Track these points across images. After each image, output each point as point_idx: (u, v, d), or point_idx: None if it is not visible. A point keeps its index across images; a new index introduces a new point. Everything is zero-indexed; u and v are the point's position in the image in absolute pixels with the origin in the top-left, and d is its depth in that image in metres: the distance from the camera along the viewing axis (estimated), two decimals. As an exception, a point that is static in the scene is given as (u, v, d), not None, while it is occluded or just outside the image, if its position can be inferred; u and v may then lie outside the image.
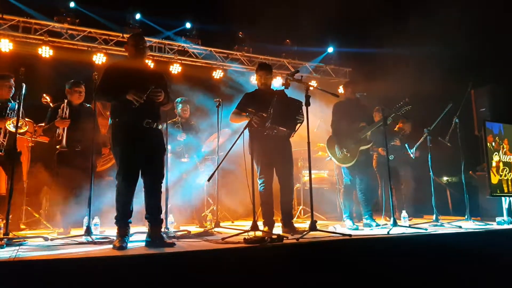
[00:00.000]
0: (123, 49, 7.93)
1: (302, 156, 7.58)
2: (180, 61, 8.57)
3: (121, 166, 3.62)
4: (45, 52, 7.36)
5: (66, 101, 5.00)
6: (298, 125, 4.61)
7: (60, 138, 4.90)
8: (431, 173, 5.54)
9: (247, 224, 5.69)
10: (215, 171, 4.84)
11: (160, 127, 3.84)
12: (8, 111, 4.78)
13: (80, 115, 4.99)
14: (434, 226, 5.03)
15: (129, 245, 3.55)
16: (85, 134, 4.69)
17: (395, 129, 5.27)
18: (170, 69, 8.37)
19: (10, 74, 4.93)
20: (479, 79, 6.75)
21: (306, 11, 8.01)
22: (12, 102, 4.87)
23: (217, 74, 8.90)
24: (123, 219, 3.60)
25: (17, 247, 3.47)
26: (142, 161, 3.67)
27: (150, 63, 8.05)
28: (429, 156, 5.53)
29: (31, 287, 2.58)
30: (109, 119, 3.80)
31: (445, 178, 8.01)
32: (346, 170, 5.28)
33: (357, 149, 5.15)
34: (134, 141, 3.62)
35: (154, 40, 8.38)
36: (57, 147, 4.91)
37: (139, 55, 3.80)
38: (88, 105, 5.27)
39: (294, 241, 3.60)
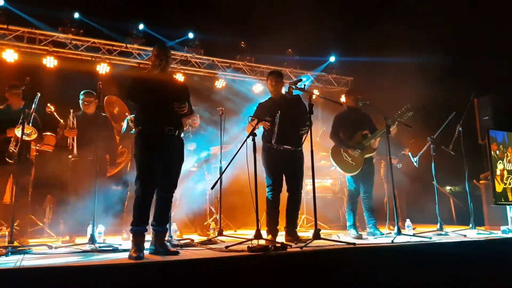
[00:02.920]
0: (127, 59, 8.15)
1: (305, 164, 7.57)
2: (183, 71, 8.62)
3: (140, 173, 3.64)
4: (50, 62, 7.43)
5: (72, 111, 5.03)
6: (304, 137, 4.62)
7: (71, 147, 4.93)
8: (434, 182, 5.52)
9: (250, 232, 5.68)
10: (218, 180, 4.86)
11: (182, 135, 3.87)
12: (21, 120, 4.78)
13: (92, 125, 5.00)
14: (438, 235, 5.01)
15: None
16: (99, 143, 4.64)
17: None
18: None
19: (20, 83, 4.95)
20: (482, 88, 6.76)
21: (307, 20, 8.06)
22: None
23: (220, 84, 8.95)
24: (139, 226, 3.57)
25: (22, 255, 3.47)
26: (160, 169, 3.68)
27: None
28: (433, 165, 5.52)
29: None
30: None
31: (448, 188, 7.99)
32: (350, 179, 5.28)
33: (361, 158, 5.16)
34: (154, 149, 3.65)
35: (157, 50, 8.41)
36: (69, 156, 4.95)
37: (161, 65, 3.77)
38: (104, 114, 5.31)
39: (298, 249, 3.59)
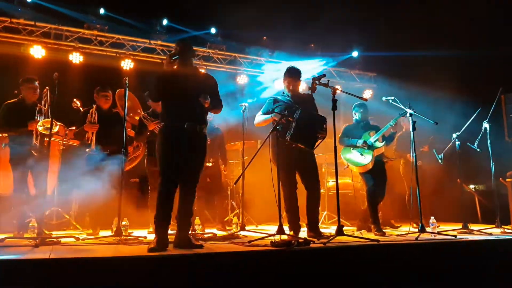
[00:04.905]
0: (150, 55, 8.25)
1: (326, 161, 7.55)
2: (205, 67, 8.68)
3: (163, 168, 3.68)
4: (76, 58, 7.58)
5: (94, 106, 5.13)
6: (319, 141, 4.61)
7: (89, 142, 5.03)
8: (460, 179, 5.43)
9: (272, 228, 5.70)
10: (241, 176, 4.90)
11: (204, 131, 3.87)
12: (37, 114, 4.87)
13: (110, 120, 5.10)
14: (463, 233, 4.93)
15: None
16: (115, 138, 4.71)
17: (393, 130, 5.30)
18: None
19: (34, 77, 5.05)
20: (510, 84, 6.59)
21: (331, 15, 8.00)
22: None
23: (241, 80, 8.97)
24: (163, 221, 3.60)
25: (51, 247, 3.57)
26: (182, 164, 3.71)
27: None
28: (459, 162, 5.42)
29: (66, 285, 2.66)
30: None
31: (471, 186, 7.83)
32: (367, 176, 5.25)
33: (371, 153, 5.14)
34: (176, 144, 3.68)
35: (180, 46, 8.50)
36: (87, 150, 5.05)
37: (184, 60, 3.82)
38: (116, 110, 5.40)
39: (321, 245, 3.59)
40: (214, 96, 3.88)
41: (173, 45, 8.22)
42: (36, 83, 5.00)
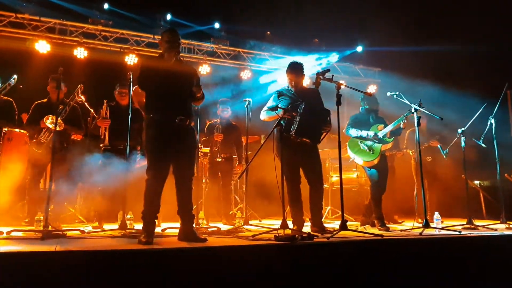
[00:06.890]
0: (154, 50, 8.24)
1: (330, 156, 7.54)
2: (209, 62, 8.67)
3: (151, 162, 3.64)
4: (80, 53, 7.60)
5: (105, 101, 5.14)
6: (324, 134, 4.60)
7: (103, 137, 5.06)
8: (465, 175, 5.41)
9: (275, 222, 5.72)
10: (244, 170, 4.92)
11: (192, 124, 3.85)
12: (60, 112, 4.86)
13: (125, 116, 5.08)
14: (467, 228, 4.92)
15: (163, 239, 3.63)
16: (132, 134, 4.68)
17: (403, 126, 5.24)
18: (199, 69, 8.49)
19: (58, 75, 5.05)
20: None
21: (335, 10, 7.96)
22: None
23: (245, 75, 8.95)
24: (150, 215, 3.61)
25: (56, 239, 3.59)
26: (173, 158, 3.69)
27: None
28: (463, 158, 5.40)
29: (71, 277, 2.68)
30: None
31: (476, 182, 7.80)
32: (372, 171, 5.23)
33: (378, 149, 5.11)
34: (166, 138, 3.62)
35: (184, 41, 8.51)
36: (101, 145, 5.10)
37: (170, 51, 3.71)
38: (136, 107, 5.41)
39: (325, 240, 3.59)
40: (199, 86, 3.84)
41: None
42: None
